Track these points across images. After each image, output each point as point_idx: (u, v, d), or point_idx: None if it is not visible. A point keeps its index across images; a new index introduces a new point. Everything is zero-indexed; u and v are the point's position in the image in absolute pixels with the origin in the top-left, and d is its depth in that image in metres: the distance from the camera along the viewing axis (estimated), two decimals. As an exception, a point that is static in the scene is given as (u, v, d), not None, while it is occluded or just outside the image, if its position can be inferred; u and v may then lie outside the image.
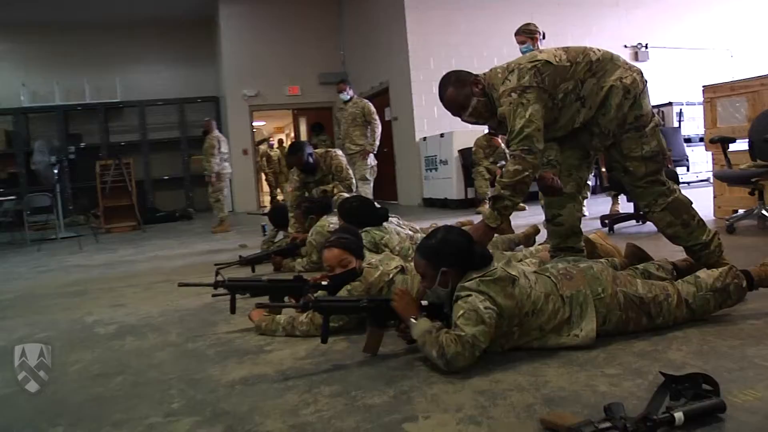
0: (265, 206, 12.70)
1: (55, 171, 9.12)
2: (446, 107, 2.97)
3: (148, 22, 13.61)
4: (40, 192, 9.28)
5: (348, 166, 5.18)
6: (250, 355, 2.52)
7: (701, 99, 6.23)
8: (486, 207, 8.33)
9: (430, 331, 2.19)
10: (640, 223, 5.64)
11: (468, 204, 9.10)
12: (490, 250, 3.84)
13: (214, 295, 3.39)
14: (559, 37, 10.47)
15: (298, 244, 4.76)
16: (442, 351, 2.09)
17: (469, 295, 2.16)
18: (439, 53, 10.36)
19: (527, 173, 2.71)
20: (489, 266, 2.26)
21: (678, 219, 2.88)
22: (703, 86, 6.08)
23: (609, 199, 6.59)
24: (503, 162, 8.51)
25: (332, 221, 4.35)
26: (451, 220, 6.25)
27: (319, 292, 3.07)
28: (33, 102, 13.20)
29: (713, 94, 5.96)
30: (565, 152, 3.08)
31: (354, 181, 5.16)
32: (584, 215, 3.60)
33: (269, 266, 4.71)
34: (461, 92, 2.88)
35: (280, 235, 5.49)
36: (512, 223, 4.83)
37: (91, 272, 5.53)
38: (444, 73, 2.99)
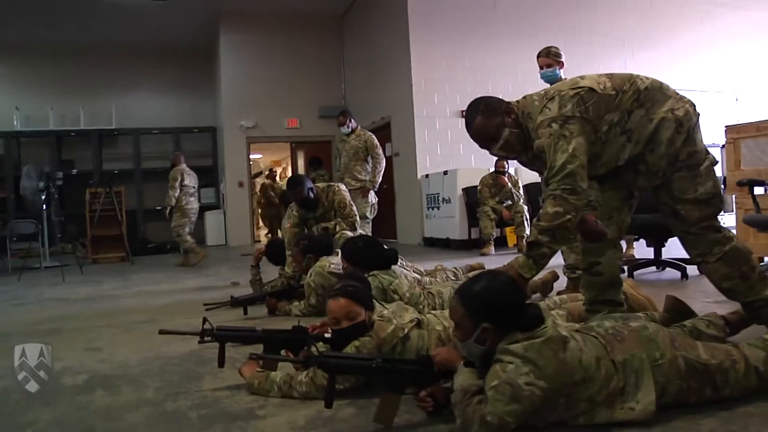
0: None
1: (43, 197, 8.76)
2: (474, 138, 2.64)
3: (147, 48, 13.38)
4: (26, 218, 8.88)
5: (352, 203, 4.82)
6: (239, 421, 2.12)
7: (713, 141, 5.95)
8: (491, 248, 8.01)
9: (466, 392, 1.86)
10: (661, 269, 5.30)
11: (471, 245, 8.74)
12: None
13: (201, 342, 3.01)
14: (566, 73, 10.29)
15: (295, 285, 4.39)
16: (467, 425, 1.79)
17: (511, 363, 1.81)
18: (443, 89, 10.14)
19: (569, 216, 2.37)
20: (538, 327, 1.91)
21: (736, 271, 2.53)
22: (726, 126, 5.79)
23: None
24: (509, 202, 8.22)
25: (333, 261, 3.98)
26: (454, 261, 5.89)
27: (321, 345, 2.70)
28: (26, 126, 12.88)
29: (737, 134, 5.66)
30: (606, 192, 2.74)
31: (358, 218, 4.80)
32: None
33: (263, 308, 4.33)
34: (491, 122, 2.56)
35: (267, 273, 5.11)
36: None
37: (70, 307, 5.12)
38: (473, 101, 2.66)
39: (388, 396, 1.97)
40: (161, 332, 2.57)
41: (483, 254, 7.76)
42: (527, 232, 8.08)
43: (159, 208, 13.27)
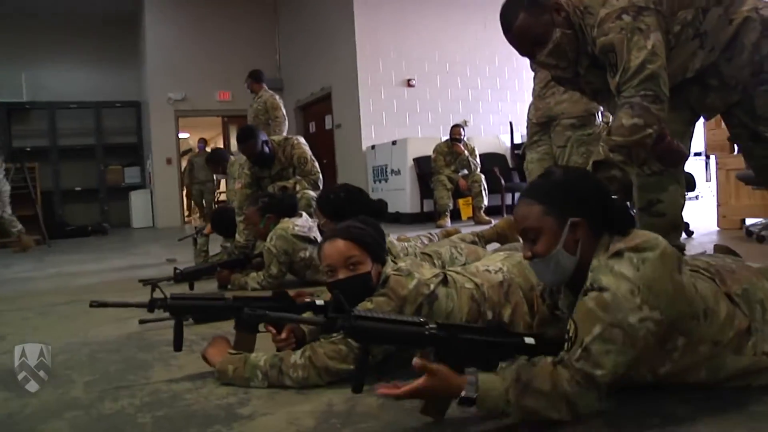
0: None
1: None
2: (515, 41, 2.05)
3: (62, 15, 12.06)
4: None
5: (313, 158, 4.13)
6: (215, 425, 1.45)
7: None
8: (447, 220, 7.47)
9: (517, 379, 1.27)
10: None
11: (424, 218, 8.19)
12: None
13: (142, 321, 2.33)
14: (511, 49, 9.88)
15: (250, 254, 3.71)
16: (567, 398, 1.25)
17: (612, 291, 1.27)
18: (388, 55, 9.52)
19: (650, 130, 1.83)
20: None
21: None
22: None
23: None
24: (465, 171, 7.70)
25: (297, 223, 3.32)
26: (408, 234, 5.30)
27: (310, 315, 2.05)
28: None
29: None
30: (668, 114, 2.19)
31: (320, 176, 4.12)
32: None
33: (211, 283, 3.62)
34: (539, 20, 1.99)
35: (215, 247, 4.40)
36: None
37: (-31, 292, 4.25)
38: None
39: None
40: (93, 304, 1.83)
41: (439, 226, 7.19)
42: (485, 202, 7.61)
43: (79, 188, 12.27)
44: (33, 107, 12.11)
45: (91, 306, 1.83)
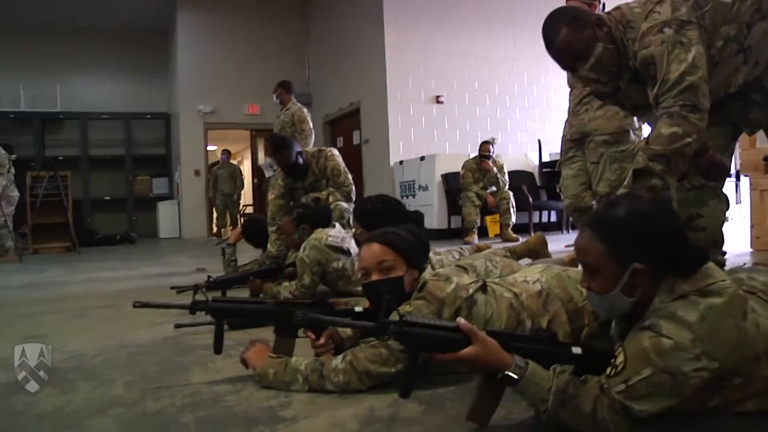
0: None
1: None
2: (558, 56, 2.06)
3: (97, 28, 12.32)
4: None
5: (347, 170, 4.14)
6: (259, 426, 1.46)
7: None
8: (474, 237, 7.45)
9: (563, 390, 1.26)
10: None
11: (451, 234, 8.16)
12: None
13: (178, 326, 2.33)
14: (541, 62, 9.88)
15: (283, 264, 3.72)
16: (600, 425, 1.25)
17: (671, 338, 1.23)
18: (417, 72, 9.54)
19: (689, 140, 1.82)
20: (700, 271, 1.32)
21: None
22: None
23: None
24: (494, 188, 7.68)
25: (331, 234, 3.33)
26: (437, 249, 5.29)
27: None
28: (-43, 106, 11.73)
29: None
30: (709, 130, 2.17)
31: (353, 188, 4.13)
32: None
33: (243, 292, 3.64)
34: (581, 35, 1.99)
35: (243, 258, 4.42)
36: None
37: (5, 294, 4.29)
38: (553, 11, 2.08)
39: (489, 384, 1.33)
40: (136, 305, 1.85)
41: (466, 243, 7.17)
42: (513, 219, 7.58)
43: (108, 198, 12.44)
44: (66, 117, 12.33)
45: (134, 306, 1.86)
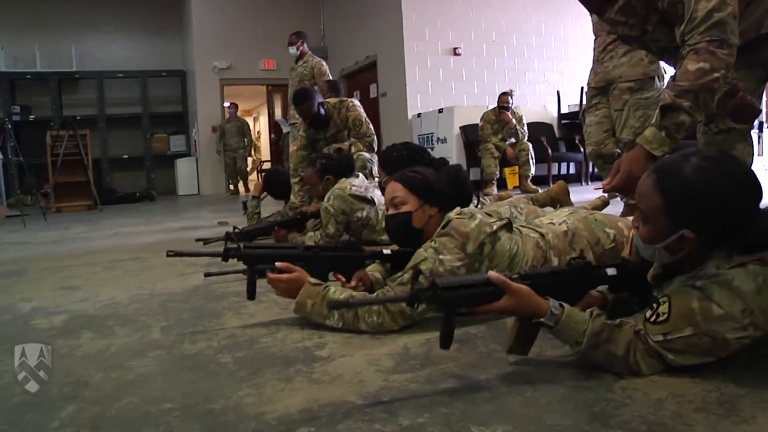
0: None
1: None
2: None
3: (108, -16, 12.27)
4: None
5: (368, 120, 4.12)
6: (297, 364, 1.49)
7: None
8: (493, 189, 7.43)
9: (597, 333, 1.28)
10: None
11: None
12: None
13: (208, 274, 2.36)
14: (559, 12, 9.69)
15: (308, 215, 3.74)
16: (632, 368, 1.29)
17: (721, 306, 1.21)
18: (434, 24, 9.38)
19: (717, 75, 1.77)
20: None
21: None
22: None
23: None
24: (513, 140, 7.62)
25: (355, 183, 3.34)
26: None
27: (375, 266, 2.10)
28: (-28, 68, 11.74)
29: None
30: (738, 72, 2.13)
31: (375, 138, 4.12)
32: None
33: (269, 241, 3.68)
34: None
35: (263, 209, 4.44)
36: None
37: (35, 250, 4.37)
38: None
39: (524, 323, 1.35)
40: (170, 254, 1.89)
41: (486, 194, 7.15)
42: (532, 171, 7.54)
43: (126, 156, 12.49)
44: (82, 77, 12.31)
45: (168, 255, 1.90)
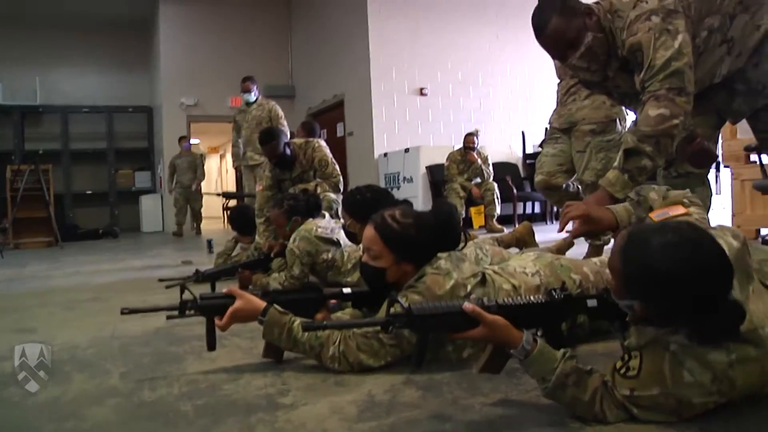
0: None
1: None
2: (548, 45, 2.09)
3: (76, 19, 12.13)
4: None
5: (334, 161, 4.13)
6: (258, 413, 1.46)
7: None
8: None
9: (567, 375, 1.28)
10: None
11: (436, 226, 8.17)
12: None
13: (169, 318, 2.31)
14: (524, 54, 9.91)
15: (271, 255, 3.71)
16: (597, 415, 1.30)
17: (691, 373, 1.23)
18: (401, 64, 9.52)
19: (676, 121, 1.87)
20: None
21: None
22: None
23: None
24: (478, 179, 7.71)
25: (320, 225, 3.32)
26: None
27: (342, 310, 2.09)
28: (-68, 100, 11.52)
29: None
30: (694, 119, 2.21)
31: (341, 179, 4.13)
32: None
33: (232, 283, 3.63)
34: (571, 24, 2.02)
35: (238, 248, 4.42)
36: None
37: (-9, 289, 4.26)
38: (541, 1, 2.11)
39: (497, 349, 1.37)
40: (124, 312, 1.83)
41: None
42: (497, 210, 7.62)
43: (89, 192, 12.30)
44: (46, 111, 12.16)
45: (122, 314, 1.84)
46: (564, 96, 3.80)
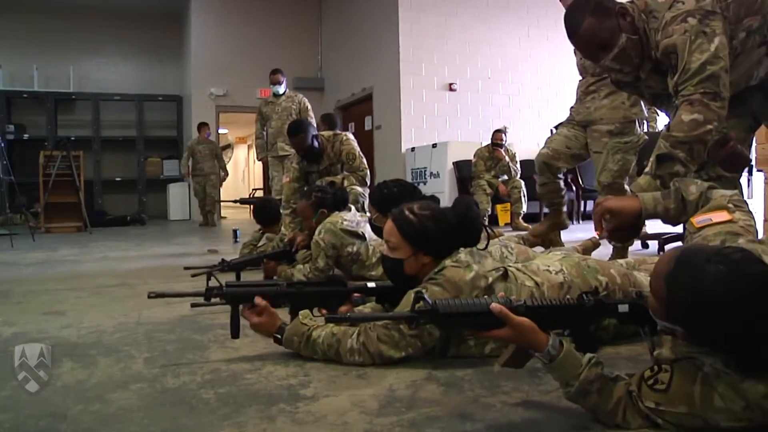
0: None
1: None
2: (581, 45, 2.07)
3: (110, 9, 12.30)
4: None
5: (362, 154, 4.12)
6: (280, 403, 1.47)
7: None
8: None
9: (591, 381, 1.26)
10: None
11: (462, 222, 8.14)
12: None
13: (194, 305, 2.34)
14: (555, 51, 9.81)
15: (293, 248, 3.72)
16: (618, 423, 1.27)
17: (720, 392, 1.18)
18: (431, 59, 9.51)
19: (710, 126, 1.84)
20: None
21: None
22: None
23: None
24: (505, 177, 7.67)
25: (346, 217, 3.33)
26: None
27: (368, 303, 2.10)
28: (-30, 85, 11.75)
29: None
30: (729, 121, 2.17)
31: (368, 172, 4.12)
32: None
33: (257, 274, 3.66)
34: (605, 25, 2.00)
35: (263, 239, 4.44)
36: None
37: (21, 271, 4.34)
38: (574, 1, 2.08)
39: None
40: (151, 295, 1.86)
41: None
42: (524, 208, 7.57)
43: (118, 179, 12.47)
44: (79, 98, 12.34)
45: (149, 297, 1.86)
46: (583, 94, 3.73)
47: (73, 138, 11.75)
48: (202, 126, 10.29)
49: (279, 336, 1.84)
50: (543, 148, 3.76)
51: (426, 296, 1.36)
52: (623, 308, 1.45)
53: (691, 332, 1.19)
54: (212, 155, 10.18)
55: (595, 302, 1.45)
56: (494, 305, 1.29)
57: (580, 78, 3.80)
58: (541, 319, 1.32)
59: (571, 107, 3.81)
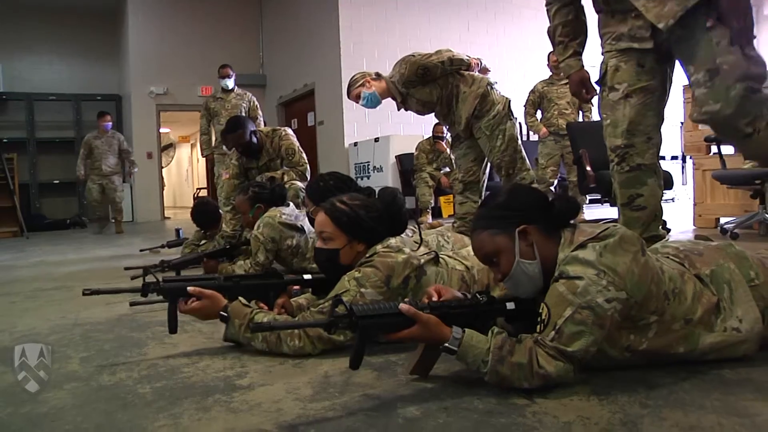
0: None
1: None
2: None
3: (39, 6, 11.97)
4: None
5: (301, 149, 4.14)
6: (216, 394, 1.49)
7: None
8: (428, 218, 7.53)
9: (500, 347, 1.36)
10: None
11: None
12: None
13: (133, 304, 2.33)
14: (494, 45, 9.99)
15: (237, 243, 3.73)
16: (540, 374, 1.35)
17: (580, 277, 1.36)
18: (372, 54, 9.55)
19: None
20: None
21: None
22: (684, 86, 5.51)
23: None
24: (447, 169, 7.76)
25: (285, 212, 3.35)
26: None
27: (304, 295, 2.13)
28: None
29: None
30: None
31: (308, 167, 4.14)
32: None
33: (197, 272, 3.64)
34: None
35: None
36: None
37: (-47, 279, 4.21)
38: None
39: (429, 347, 1.48)
40: (86, 292, 1.85)
41: (420, 223, 7.24)
42: (467, 200, 7.67)
43: (56, 181, 12.11)
44: (10, 98, 11.93)
45: (84, 294, 1.86)
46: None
47: (5, 140, 11.41)
48: (101, 116, 8.49)
49: (225, 314, 1.85)
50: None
51: (344, 300, 1.43)
52: (510, 305, 1.54)
53: (519, 216, 1.50)
54: (114, 151, 8.47)
55: (488, 299, 1.53)
56: (403, 305, 1.40)
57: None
58: (444, 317, 1.43)
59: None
